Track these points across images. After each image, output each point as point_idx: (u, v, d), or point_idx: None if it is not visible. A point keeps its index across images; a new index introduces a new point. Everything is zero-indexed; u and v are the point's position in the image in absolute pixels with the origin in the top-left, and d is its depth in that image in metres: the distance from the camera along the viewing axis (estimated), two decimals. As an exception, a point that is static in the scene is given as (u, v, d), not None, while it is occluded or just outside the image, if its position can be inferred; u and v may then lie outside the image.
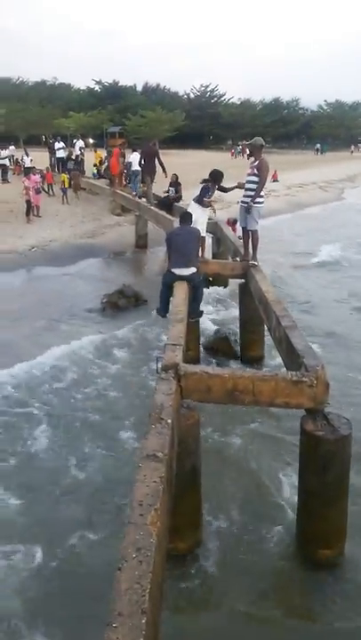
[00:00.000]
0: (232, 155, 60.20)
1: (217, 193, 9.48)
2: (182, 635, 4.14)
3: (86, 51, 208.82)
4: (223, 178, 9.22)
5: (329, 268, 15.95)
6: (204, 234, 9.49)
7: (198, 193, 9.16)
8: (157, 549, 2.72)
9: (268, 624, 4.26)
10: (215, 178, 9.15)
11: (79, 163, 25.72)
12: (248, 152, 9.06)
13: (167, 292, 7.76)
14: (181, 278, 7.74)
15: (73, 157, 25.30)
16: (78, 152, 26.13)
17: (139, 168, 18.31)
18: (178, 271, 7.73)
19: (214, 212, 9.18)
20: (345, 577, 4.72)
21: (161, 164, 16.70)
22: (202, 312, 8.66)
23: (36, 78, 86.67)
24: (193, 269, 7.78)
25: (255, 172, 8.61)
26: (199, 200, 9.13)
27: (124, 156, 21.86)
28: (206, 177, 9.33)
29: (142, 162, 17.20)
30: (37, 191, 19.01)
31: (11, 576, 4.66)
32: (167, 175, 16.84)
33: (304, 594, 4.53)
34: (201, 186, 9.20)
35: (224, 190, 9.19)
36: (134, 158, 18.99)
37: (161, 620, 2.78)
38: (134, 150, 20.20)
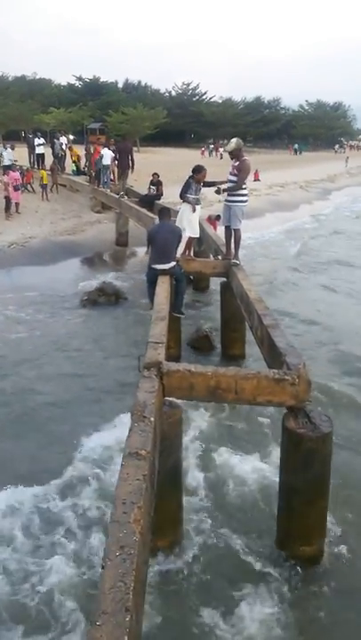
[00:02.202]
0: (202, 154, 59.62)
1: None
2: (164, 632, 4.14)
3: (70, 47, 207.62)
4: (204, 172, 9.14)
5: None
6: (195, 233, 9.46)
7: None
8: (141, 547, 2.71)
9: (247, 621, 4.27)
10: (196, 170, 9.08)
11: (60, 159, 25.51)
12: (227, 153, 9.01)
13: (151, 288, 7.88)
14: (163, 272, 7.93)
15: (62, 153, 25.17)
16: (59, 149, 25.87)
17: (109, 163, 19.65)
18: (158, 267, 7.99)
19: (193, 210, 9.11)
20: (325, 574, 4.76)
21: (132, 160, 17.54)
22: (183, 313, 8.71)
23: (17, 73, 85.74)
24: (172, 263, 8.02)
25: (235, 172, 8.65)
26: (181, 195, 9.18)
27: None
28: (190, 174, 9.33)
29: (117, 157, 18.08)
30: (16, 188, 18.78)
31: None
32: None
33: (284, 591, 4.56)
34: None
35: (210, 185, 9.16)
36: (105, 153, 19.92)
37: (143, 617, 2.77)
38: (105, 146, 21.28)
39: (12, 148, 24.57)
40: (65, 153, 26.26)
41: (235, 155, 8.74)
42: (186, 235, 9.20)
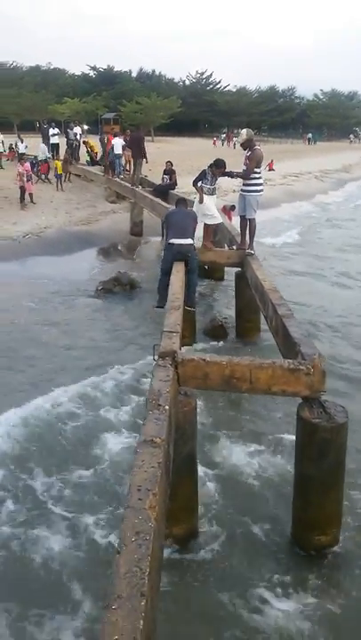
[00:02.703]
0: (214, 143, 58.98)
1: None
2: (178, 618, 4.18)
3: (83, 36, 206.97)
4: (225, 165, 9.17)
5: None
6: (213, 220, 9.48)
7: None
8: (156, 533, 2.73)
9: (263, 610, 4.29)
10: (216, 165, 9.11)
11: (74, 149, 25.54)
12: (239, 143, 9.00)
13: (165, 279, 7.82)
14: (180, 250, 7.88)
15: (76, 143, 25.35)
16: (73, 138, 25.92)
17: (120, 152, 20.27)
18: (177, 241, 7.96)
19: (200, 201, 9.15)
20: (340, 563, 4.76)
21: (143, 149, 17.60)
22: (195, 306, 8.69)
23: (31, 63, 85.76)
24: (190, 240, 8.00)
25: (247, 161, 8.63)
26: (193, 183, 9.21)
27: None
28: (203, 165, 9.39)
29: (130, 147, 18.45)
30: (28, 179, 18.85)
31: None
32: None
33: (299, 580, 4.57)
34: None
35: (230, 175, 9.16)
36: (117, 143, 20.32)
37: (159, 602, 2.80)
38: (116, 135, 21.76)
39: (22, 141, 24.88)
40: (79, 143, 26.28)
41: (247, 145, 8.71)
42: (208, 222, 9.27)
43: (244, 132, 8.89)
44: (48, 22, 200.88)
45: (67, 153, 24.60)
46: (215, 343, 9.20)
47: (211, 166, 9.12)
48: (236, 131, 69.91)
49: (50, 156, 23.99)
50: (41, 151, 23.41)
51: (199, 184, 9.18)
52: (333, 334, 9.85)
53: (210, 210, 9.37)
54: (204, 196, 9.16)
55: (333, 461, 4.57)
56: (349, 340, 9.62)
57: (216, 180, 9.24)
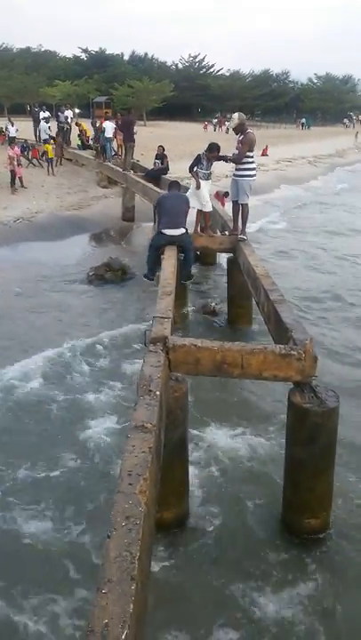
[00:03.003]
0: (205, 128, 58.21)
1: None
2: (169, 603, 4.21)
3: (75, 18, 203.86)
4: (219, 149, 9.08)
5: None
6: (206, 208, 9.41)
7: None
8: (146, 518, 2.73)
9: (253, 595, 4.32)
10: (210, 149, 9.03)
11: (65, 132, 25.28)
12: (231, 128, 8.91)
13: (155, 254, 7.89)
14: (172, 239, 7.91)
15: (67, 126, 25.09)
16: (64, 121, 25.66)
17: (110, 135, 20.26)
18: (168, 232, 8.01)
19: (198, 187, 9.08)
20: (330, 546, 4.81)
21: (132, 133, 17.88)
22: (193, 275, 8.73)
23: (21, 44, 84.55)
24: (182, 230, 8.05)
25: (240, 145, 8.55)
26: (190, 169, 9.14)
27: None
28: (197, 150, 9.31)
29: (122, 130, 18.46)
30: (18, 162, 18.65)
31: None
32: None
33: (289, 564, 4.61)
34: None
35: (224, 160, 9.06)
36: (108, 126, 20.30)
37: (149, 587, 2.81)
38: (108, 119, 21.79)
39: (12, 124, 24.63)
40: (70, 126, 26.01)
41: (239, 129, 8.62)
42: (203, 208, 9.24)
43: (235, 116, 8.79)
44: (39, 1, 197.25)
45: (58, 136, 24.33)
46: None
47: (205, 151, 9.04)
48: (228, 115, 69.35)
49: (51, 135, 23.66)
50: (42, 130, 23.15)
51: (195, 169, 9.10)
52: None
53: (204, 197, 9.28)
54: (193, 183, 9.09)
55: (325, 445, 4.59)
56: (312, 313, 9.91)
57: (211, 164, 9.15)
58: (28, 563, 4.57)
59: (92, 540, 4.75)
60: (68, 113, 26.69)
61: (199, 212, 9.48)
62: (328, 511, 4.90)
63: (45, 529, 4.91)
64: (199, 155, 9.12)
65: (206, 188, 9.34)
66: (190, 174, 9.28)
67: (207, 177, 9.24)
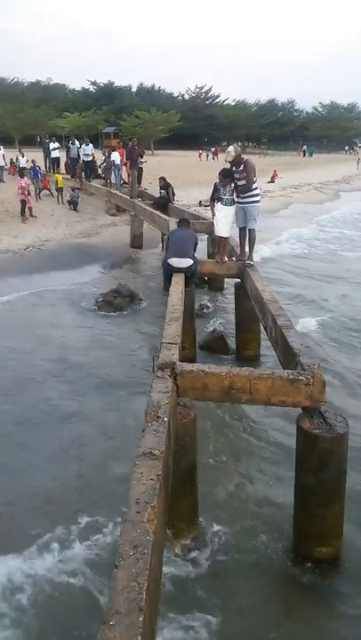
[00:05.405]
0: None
1: None
2: (178, 633, 4.12)
3: (83, 51, 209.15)
4: (231, 175, 8.80)
5: None
6: (221, 233, 9.31)
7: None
8: (154, 547, 2.69)
9: (265, 623, 4.23)
10: (223, 175, 8.81)
11: (76, 163, 25.29)
12: (228, 162, 8.72)
13: (167, 278, 8.22)
14: (178, 270, 7.99)
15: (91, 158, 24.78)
16: (75, 153, 25.26)
17: (118, 163, 21.73)
18: (174, 262, 8.08)
19: (212, 215, 9.16)
20: (342, 575, 4.70)
21: (137, 162, 19.75)
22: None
23: (32, 79, 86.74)
24: (189, 261, 8.14)
25: (243, 175, 8.55)
26: (212, 200, 9.20)
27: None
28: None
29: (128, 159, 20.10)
30: (28, 192, 18.91)
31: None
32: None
33: (301, 592, 4.51)
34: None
35: (236, 191, 8.92)
36: (115, 156, 21.87)
37: (158, 617, 2.76)
38: (114, 150, 23.19)
39: (23, 155, 25.11)
40: (94, 158, 25.29)
41: (237, 161, 8.56)
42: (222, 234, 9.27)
43: (231, 149, 8.65)
44: (48, 37, 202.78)
45: (79, 168, 24.50)
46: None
47: (219, 174, 8.97)
48: (223, 144, 69.85)
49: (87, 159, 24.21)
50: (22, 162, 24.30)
51: (216, 201, 8.98)
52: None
53: (218, 222, 9.16)
54: (219, 206, 8.98)
55: (334, 472, 4.53)
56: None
57: (231, 190, 8.85)
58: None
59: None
60: (88, 148, 24.17)
61: (219, 239, 9.41)
62: (339, 539, 4.80)
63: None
64: (215, 183, 9.00)
65: (230, 213, 9.01)
66: (227, 202, 8.89)
67: (230, 203, 8.88)
